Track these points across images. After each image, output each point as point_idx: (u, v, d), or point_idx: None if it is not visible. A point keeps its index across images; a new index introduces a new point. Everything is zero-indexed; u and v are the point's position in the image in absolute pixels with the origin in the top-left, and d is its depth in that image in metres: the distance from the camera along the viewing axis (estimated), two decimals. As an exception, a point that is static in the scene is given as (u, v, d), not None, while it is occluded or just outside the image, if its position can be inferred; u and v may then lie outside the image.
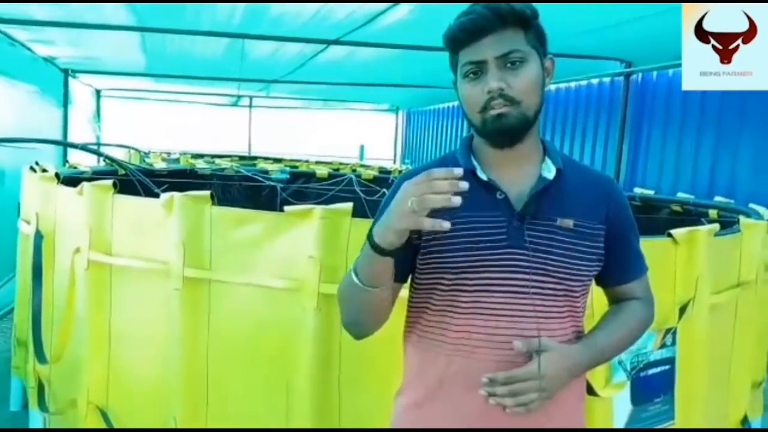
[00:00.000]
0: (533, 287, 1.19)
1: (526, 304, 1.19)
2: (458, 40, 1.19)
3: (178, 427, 2.13)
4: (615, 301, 1.38)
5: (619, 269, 1.31)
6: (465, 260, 1.19)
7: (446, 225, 1.01)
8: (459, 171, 1.00)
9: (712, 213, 3.36)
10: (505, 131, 1.18)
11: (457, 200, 0.98)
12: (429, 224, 1.01)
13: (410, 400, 1.29)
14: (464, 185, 0.99)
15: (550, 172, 1.23)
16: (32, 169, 3.16)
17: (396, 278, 1.22)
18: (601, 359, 1.29)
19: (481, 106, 1.17)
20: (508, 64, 1.16)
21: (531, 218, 1.20)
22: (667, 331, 2.15)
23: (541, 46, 1.22)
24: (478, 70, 1.17)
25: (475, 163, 1.25)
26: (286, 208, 2.05)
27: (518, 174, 1.23)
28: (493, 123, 1.17)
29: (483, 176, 1.22)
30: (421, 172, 1.31)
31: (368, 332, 1.26)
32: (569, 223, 1.21)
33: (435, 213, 1.02)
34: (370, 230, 1.11)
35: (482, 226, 1.20)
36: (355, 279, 1.16)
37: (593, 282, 1.33)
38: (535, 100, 1.19)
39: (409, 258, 1.25)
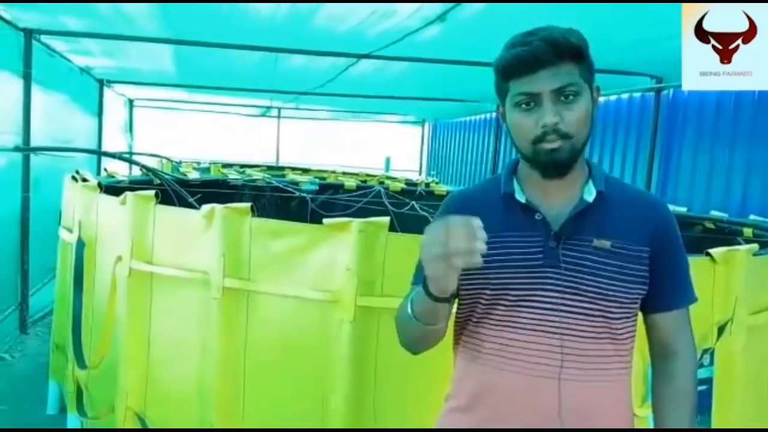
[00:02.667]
0: (562, 305, 1.21)
1: (553, 321, 1.21)
2: (512, 70, 1.19)
3: (215, 434, 2.17)
4: (654, 336, 1.32)
5: (662, 294, 1.27)
6: (503, 278, 1.23)
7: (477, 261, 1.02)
8: (477, 222, 1.01)
9: (747, 231, 3.33)
10: (558, 165, 1.21)
11: (478, 260, 1.01)
12: (462, 263, 1.02)
13: (454, 405, 1.33)
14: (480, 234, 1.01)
15: (590, 194, 1.25)
16: (74, 178, 3.24)
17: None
18: None
19: (534, 138, 1.19)
20: (562, 98, 1.17)
21: (567, 239, 1.22)
22: (705, 351, 2.14)
23: (591, 77, 1.23)
24: (531, 101, 1.18)
25: (516, 185, 1.28)
26: (325, 220, 2.09)
27: (559, 196, 1.25)
28: (546, 156, 1.19)
29: (521, 199, 1.26)
30: (467, 193, 1.42)
31: (425, 351, 1.29)
32: (606, 244, 1.22)
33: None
34: (424, 277, 1.10)
35: (520, 245, 1.24)
36: (412, 316, 1.18)
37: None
38: (586, 132, 1.22)
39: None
